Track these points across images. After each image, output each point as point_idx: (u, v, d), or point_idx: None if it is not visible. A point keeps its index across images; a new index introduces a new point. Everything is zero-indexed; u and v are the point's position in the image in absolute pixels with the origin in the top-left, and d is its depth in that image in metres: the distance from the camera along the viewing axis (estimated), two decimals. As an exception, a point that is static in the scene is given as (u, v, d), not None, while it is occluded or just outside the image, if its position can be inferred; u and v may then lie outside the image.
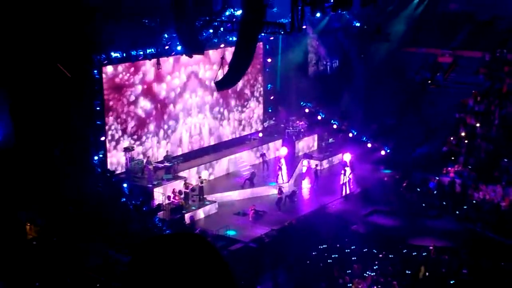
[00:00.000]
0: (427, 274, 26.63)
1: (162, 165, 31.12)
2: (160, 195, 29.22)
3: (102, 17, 26.80)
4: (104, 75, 29.18)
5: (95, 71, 28.56)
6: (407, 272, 26.73)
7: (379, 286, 25.55)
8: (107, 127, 29.55)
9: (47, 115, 25.41)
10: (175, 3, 26.82)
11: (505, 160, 33.73)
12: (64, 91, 25.81)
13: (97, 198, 26.86)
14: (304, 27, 33.14)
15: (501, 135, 35.52)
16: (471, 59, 39.75)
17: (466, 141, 35.77)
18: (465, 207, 32.11)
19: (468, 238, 29.72)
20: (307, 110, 40.36)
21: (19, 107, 25.22)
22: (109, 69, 29.48)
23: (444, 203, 32.76)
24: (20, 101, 25.11)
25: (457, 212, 31.95)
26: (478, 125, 36.25)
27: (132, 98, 30.82)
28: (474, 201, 32.33)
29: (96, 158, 28.59)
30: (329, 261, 27.40)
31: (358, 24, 41.39)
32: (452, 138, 36.24)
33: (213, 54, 34.02)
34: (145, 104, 31.51)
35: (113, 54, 28.95)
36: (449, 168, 34.42)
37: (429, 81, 40.36)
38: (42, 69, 25.14)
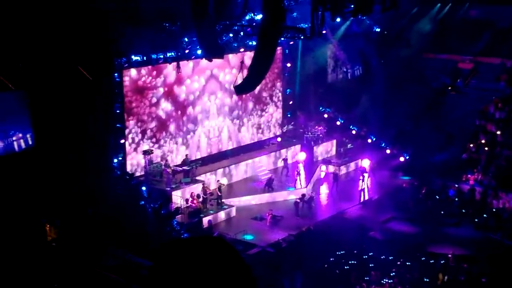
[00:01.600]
0: (445, 281, 26.42)
1: (181, 168, 31.20)
2: (178, 198, 29.29)
3: (123, 20, 26.96)
4: (126, 78, 29.36)
5: (116, 74, 28.72)
6: (425, 279, 26.54)
7: (397, 293, 25.41)
8: (127, 130, 29.70)
9: (67, 117, 25.59)
10: (195, 7, 26.89)
11: (526, 168, 33.43)
12: (85, 93, 25.99)
13: (116, 201, 26.97)
14: (324, 32, 33.09)
15: (522, 142, 35.21)
16: (491, 65, 39.49)
17: (486, 149, 35.48)
18: (484, 215, 31.82)
19: (487, 246, 29.45)
20: (326, 116, 40.26)
21: (39, 110, 25.41)
22: (132, 72, 29.64)
23: (464, 210, 32.50)
24: (41, 103, 25.31)
25: (476, 220, 31.67)
26: (498, 132, 35.95)
27: (154, 101, 30.96)
28: (493, 209, 32.04)
29: (115, 160, 28.74)
30: (346, 267, 27.29)
31: (378, 30, 41.26)
32: (472, 145, 35.98)
33: (233, 58, 34.08)
34: (165, 107, 31.64)
35: (134, 58, 29.09)
36: (469, 176, 34.16)
37: (449, 87, 40.10)
38: (63, 72, 25.32)
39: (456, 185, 33.81)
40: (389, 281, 26.19)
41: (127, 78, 29.46)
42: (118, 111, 29.14)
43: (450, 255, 27.98)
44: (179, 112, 32.46)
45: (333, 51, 40.82)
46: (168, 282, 1.93)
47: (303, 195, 31.98)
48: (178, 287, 1.91)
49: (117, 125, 29.08)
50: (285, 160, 35.92)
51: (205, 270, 1.93)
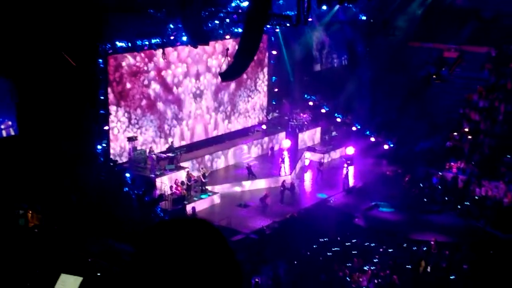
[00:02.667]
0: (428, 269, 26.65)
1: (165, 155, 31.14)
2: (162, 185, 29.28)
3: (107, 7, 26.77)
4: (123, 63, 29.26)
5: (100, 60, 28.57)
6: (407, 266, 26.74)
7: (379, 280, 25.58)
8: (111, 117, 29.59)
9: (51, 104, 25.43)
10: (180, -7, 26.77)
11: (508, 156, 33.66)
12: (69, 80, 25.82)
13: (100, 187, 26.90)
14: (310, 19, 33.06)
15: (505, 131, 35.43)
16: (477, 54, 39.65)
17: (469, 137, 35.70)
18: (467, 202, 32.07)
19: (470, 233, 29.72)
20: (311, 103, 40.30)
21: (23, 97, 25.25)
22: (118, 58, 29.51)
23: (446, 198, 32.73)
24: (25, 90, 25.13)
25: (459, 208, 31.92)
26: (482, 121, 36.17)
27: (137, 87, 30.84)
28: (476, 197, 32.30)
29: (99, 147, 28.65)
30: (329, 254, 27.44)
31: (364, 18, 41.25)
32: (455, 134, 36.17)
33: (218, 45, 33.99)
34: (149, 94, 31.52)
35: (118, 44, 28.95)
36: (452, 164, 34.37)
37: (434, 76, 40.22)
38: (47, 58, 25.14)
39: (440, 173, 34.02)
40: (372, 268, 26.36)
41: (124, 64, 29.36)
42: (102, 98, 29.01)
43: (432, 242, 28.21)
44: (164, 99, 32.36)
45: (319, 39, 40.79)
46: (150, 266, 1.91)
47: (283, 182, 32.00)
48: (158, 269, 1.89)
49: (101, 111, 28.96)
50: (272, 149, 35.95)
51: (188, 253, 1.91)
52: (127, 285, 1.94)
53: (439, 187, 33.59)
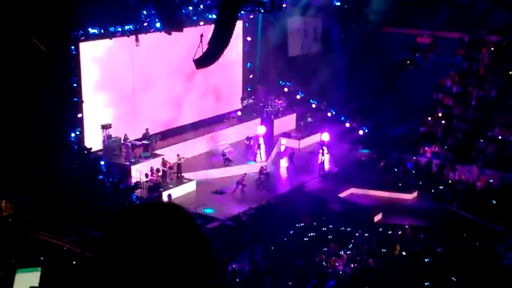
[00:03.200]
0: (403, 252, 26.93)
1: (140, 143, 30.96)
2: (137, 172, 29.10)
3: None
4: (83, 50, 28.91)
5: (72, 46, 28.21)
6: (382, 250, 26.99)
7: (355, 264, 25.80)
8: (84, 104, 29.27)
9: (22, 92, 25.07)
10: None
11: (481, 141, 34.06)
12: (41, 66, 25.46)
13: (74, 176, 26.66)
14: (284, 5, 32.98)
15: (478, 116, 35.83)
16: (450, 40, 39.95)
17: (443, 122, 36.03)
18: (441, 187, 32.41)
19: (444, 217, 30.08)
20: (286, 89, 40.31)
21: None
22: (88, 44, 29.16)
23: (421, 183, 33.04)
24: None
25: (433, 192, 32.26)
26: (455, 106, 36.52)
27: (110, 74, 30.53)
28: (450, 181, 32.65)
29: (73, 135, 28.35)
30: (305, 239, 27.57)
31: (338, 4, 41.27)
32: (429, 119, 36.47)
33: (193, 31, 33.71)
34: (123, 80, 31.24)
35: (91, 30, 28.62)
36: (426, 148, 34.68)
37: (408, 62, 40.45)
38: (18, 45, 24.75)
39: (414, 158, 34.31)
40: (348, 252, 26.57)
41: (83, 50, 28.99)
42: (75, 85, 28.68)
43: (407, 226, 28.50)
44: (138, 86, 32.11)
45: (294, 25, 40.70)
46: (117, 251, 1.84)
47: (262, 168, 32.05)
48: (128, 255, 1.83)
49: (74, 99, 28.65)
50: (248, 139, 35.58)
51: (157, 237, 1.84)
52: (95, 271, 1.89)
53: (413, 171, 33.88)
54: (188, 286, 1.84)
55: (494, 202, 30.42)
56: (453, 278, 24.35)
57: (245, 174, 31.30)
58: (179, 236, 1.87)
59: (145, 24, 30.42)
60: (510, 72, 36.96)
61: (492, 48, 38.23)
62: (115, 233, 1.89)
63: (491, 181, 31.70)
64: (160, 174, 29.67)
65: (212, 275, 1.90)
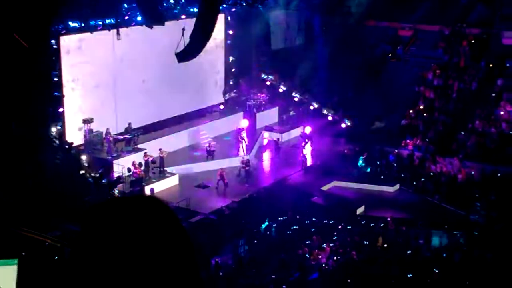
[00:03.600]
0: (385, 245, 27.10)
1: (122, 137, 30.82)
2: (119, 167, 28.97)
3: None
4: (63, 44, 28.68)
5: (53, 41, 27.97)
6: (365, 242, 27.14)
7: (338, 257, 25.92)
8: (65, 98, 29.07)
9: (2, 87, 24.81)
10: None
11: (462, 133, 34.31)
12: (21, 61, 25.21)
13: (56, 171, 26.48)
14: (266, -1, 32.99)
15: (459, 108, 36.08)
16: (431, 33, 40.10)
17: (424, 115, 36.23)
18: (422, 179, 32.62)
19: (425, 209, 30.29)
20: (268, 83, 40.29)
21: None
22: (69, 38, 28.94)
23: (403, 175, 33.22)
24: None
25: (415, 184, 32.46)
26: (436, 98, 36.74)
27: (91, 68, 30.34)
28: (431, 174, 32.87)
29: (54, 130, 28.14)
30: (288, 232, 27.64)
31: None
32: (411, 111, 36.65)
33: (174, 25, 33.54)
34: (103, 75, 31.05)
35: (71, 24, 28.39)
36: (408, 141, 34.86)
37: (389, 55, 40.61)
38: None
39: (396, 151, 34.48)
40: (331, 245, 26.68)
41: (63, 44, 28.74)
42: (56, 79, 28.47)
43: (389, 219, 28.67)
44: (119, 80, 31.93)
45: (276, 18, 40.64)
46: (94, 245, 1.81)
47: (246, 161, 32.01)
48: (105, 249, 1.80)
49: (55, 93, 28.43)
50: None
51: (136, 231, 1.80)
52: (71, 265, 1.86)
53: (395, 164, 34.05)
54: (169, 281, 1.81)
55: (475, 194, 30.66)
56: (435, 270, 24.56)
57: (221, 168, 31.04)
58: (158, 229, 1.84)
59: (126, 17, 30.23)
60: (491, 65, 37.23)
61: (473, 41, 38.47)
62: (92, 226, 1.86)
63: (472, 173, 31.95)
64: (142, 168, 29.55)
65: (193, 269, 1.89)
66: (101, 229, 1.83)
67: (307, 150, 34.81)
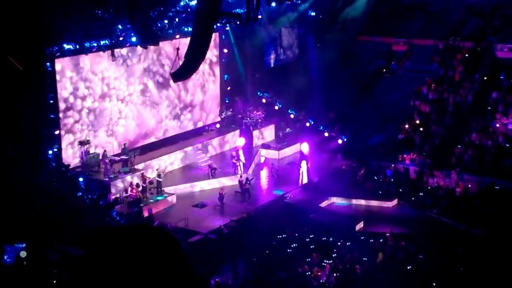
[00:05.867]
0: (384, 260, 26.98)
1: (119, 158, 30.76)
2: (117, 188, 28.88)
3: (54, 8, 26.25)
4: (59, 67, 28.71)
5: (48, 63, 28.00)
6: (364, 259, 27.01)
7: (338, 274, 25.79)
8: (61, 121, 29.07)
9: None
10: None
11: (459, 146, 34.33)
12: (16, 84, 25.22)
13: (52, 193, 26.37)
14: (260, 16, 33.10)
15: (454, 122, 36.13)
16: (425, 47, 40.28)
17: (421, 129, 36.27)
18: (420, 193, 32.57)
19: (424, 224, 30.22)
20: (264, 100, 40.33)
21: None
22: (62, 61, 28.98)
23: (400, 190, 33.16)
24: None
25: (413, 199, 32.40)
26: (432, 112, 36.80)
27: (87, 91, 30.37)
28: (429, 188, 32.82)
29: (50, 152, 28.09)
30: (288, 250, 27.52)
31: (313, 14, 41.48)
32: (407, 126, 36.69)
33: (169, 45, 33.69)
34: (100, 96, 31.07)
35: (66, 46, 28.43)
36: (405, 156, 34.86)
37: (384, 70, 40.75)
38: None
39: (393, 165, 34.45)
40: (330, 262, 26.56)
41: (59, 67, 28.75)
42: (51, 102, 28.47)
43: (388, 234, 28.58)
44: (115, 101, 31.95)
45: (270, 36, 40.76)
46: (97, 271, 1.82)
47: (246, 180, 31.93)
48: (107, 276, 1.80)
49: (51, 116, 28.41)
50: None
51: (139, 260, 1.81)
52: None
53: (392, 179, 34.00)
54: None
55: (474, 207, 30.60)
56: (434, 284, 24.44)
57: (221, 188, 31.09)
58: (161, 262, 1.84)
59: (121, 38, 30.30)
60: (485, 78, 37.36)
61: (467, 55, 38.64)
62: (95, 254, 1.84)
63: (469, 186, 31.92)
64: (140, 189, 29.46)
65: None
66: (105, 258, 1.84)
67: (304, 167, 34.68)
